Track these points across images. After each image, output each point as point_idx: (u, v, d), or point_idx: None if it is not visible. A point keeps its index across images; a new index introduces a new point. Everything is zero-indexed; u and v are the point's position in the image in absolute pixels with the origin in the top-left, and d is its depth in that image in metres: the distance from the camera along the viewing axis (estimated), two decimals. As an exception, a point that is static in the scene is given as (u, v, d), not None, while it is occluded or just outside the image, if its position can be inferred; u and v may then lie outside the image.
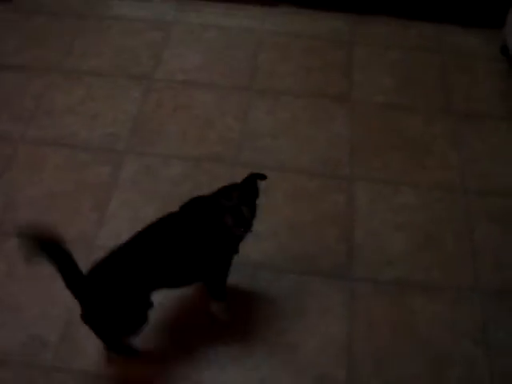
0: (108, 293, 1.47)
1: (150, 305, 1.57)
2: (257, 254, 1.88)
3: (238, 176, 1.99)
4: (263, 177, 1.59)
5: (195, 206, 1.53)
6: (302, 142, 2.23)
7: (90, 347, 1.68)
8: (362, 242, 1.94)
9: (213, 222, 1.50)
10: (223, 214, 1.48)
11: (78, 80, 2.46)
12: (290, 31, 2.70)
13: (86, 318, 1.49)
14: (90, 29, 2.69)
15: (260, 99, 2.38)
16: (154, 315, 1.61)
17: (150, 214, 1.67)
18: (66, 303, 1.74)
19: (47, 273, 1.79)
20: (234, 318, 1.75)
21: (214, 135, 2.24)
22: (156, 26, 2.69)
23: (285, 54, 2.59)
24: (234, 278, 1.78)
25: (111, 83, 2.43)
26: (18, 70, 2.49)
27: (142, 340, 1.65)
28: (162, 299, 1.70)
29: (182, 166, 2.13)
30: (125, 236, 1.55)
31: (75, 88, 2.41)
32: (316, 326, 1.75)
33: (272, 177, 2.09)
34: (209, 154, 2.17)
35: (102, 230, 1.95)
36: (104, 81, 2.44)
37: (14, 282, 1.83)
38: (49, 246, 1.40)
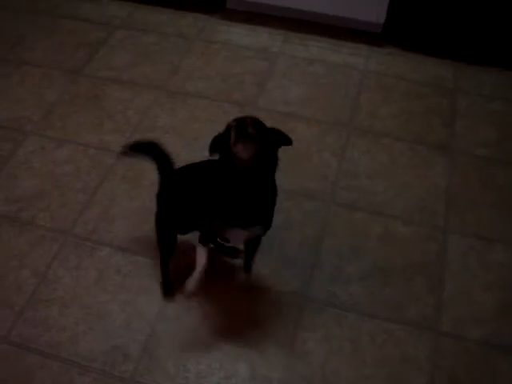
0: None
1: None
2: (344, 295, 1.87)
3: (331, 214, 1.99)
4: (289, 142, 1.54)
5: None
6: (398, 187, 2.21)
7: (168, 364, 1.70)
8: (451, 295, 1.90)
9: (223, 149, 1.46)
10: (229, 132, 1.40)
11: (181, 100, 2.53)
12: (394, 73, 2.69)
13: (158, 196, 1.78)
14: (198, 51, 2.77)
15: (359, 138, 2.38)
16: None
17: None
18: (151, 317, 1.79)
19: (136, 284, 1.87)
20: (312, 355, 1.73)
21: (310, 170, 2.25)
22: (262, 55, 2.74)
23: (387, 96, 2.57)
24: (320, 317, 1.77)
25: (215, 107, 2.48)
26: (126, 85, 2.58)
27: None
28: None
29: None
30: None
31: (178, 108, 2.48)
32: (397, 375, 1.71)
33: (365, 218, 2.10)
34: (303, 189, 2.17)
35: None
36: (207, 104, 2.50)
37: (103, 290, 1.88)
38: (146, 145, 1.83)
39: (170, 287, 1.90)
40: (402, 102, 2.54)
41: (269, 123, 2.41)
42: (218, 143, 1.49)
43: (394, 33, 2.80)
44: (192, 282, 1.75)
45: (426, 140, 2.38)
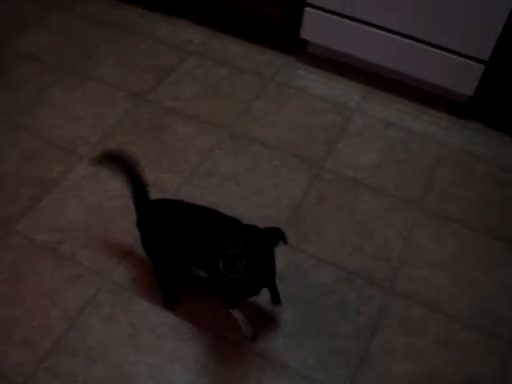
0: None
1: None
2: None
3: (389, 304, 1.81)
4: (285, 241, 1.50)
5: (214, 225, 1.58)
6: (464, 284, 2.02)
7: None
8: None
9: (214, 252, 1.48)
10: (219, 256, 1.42)
11: (245, 146, 2.39)
12: (475, 152, 2.50)
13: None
14: (270, 94, 2.63)
15: (428, 220, 2.19)
16: None
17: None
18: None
19: (170, 348, 1.72)
20: None
21: (371, 248, 2.08)
22: (338, 109, 2.59)
23: (464, 176, 2.39)
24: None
25: (279, 159, 2.34)
26: (191, 120, 2.46)
27: None
28: None
29: (333, 274, 1.98)
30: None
31: (241, 155, 2.35)
32: None
33: (423, 315, 1.91)
34: (363, 270, 2.01)
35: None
36: (272, 154, 2.35)
37: (134, 349, 1.75)
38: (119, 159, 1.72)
39: (171, 296, 1.84)
40: (479, 186, 2.35)
41: (334, 188, 2.27)
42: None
43: (481, 107, 2.61)
44: (246, 329, 1.78)
45: (502, 235, 2.18)
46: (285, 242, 1.51)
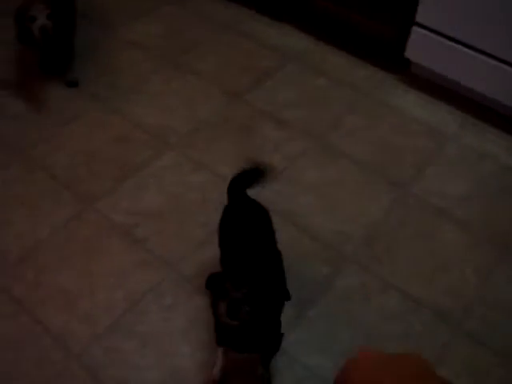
0: None
1: None
2: None
3: (453, 343, 1.72)
4: (287, 298, 1.49)
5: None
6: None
7: None
8: None
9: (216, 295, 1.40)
10: (219, 299, 1.35)
11: (333, 158, 2.35)
12: None
13: None
14: (365, 109, 2.58)
15: (509, 263, 2.06)
16: None
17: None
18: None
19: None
20: None
21: (445, 282, 1.98)
22: (431, 134, 2.49)
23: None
24: None
25: (364, 176, 2.28)
26: (282, 125, 2.45)
27: None
28: None
29: (399, 301, 1.91)
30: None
31: (327, 166, 2.31)
32: None
33: (490, 360, 1.80)
34: (432, 303, 1.92)
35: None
36: (358, 171, 2.30)
37: (187, 342, 1.76)
38: None
39: None
40: None
41: (417, 214, 2.19)
42: (214, 285, 1.43)
43: None
44: (216, 372, 1.67)
45: None
46: (287, 299, 1.48)
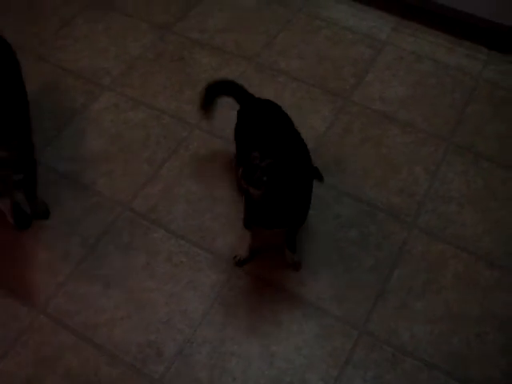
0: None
1: None
2: (406, 336, 1.66)
3: (411, 240, 1.77)
4: (321, 179, 1.51)
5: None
6: (490, 222, 1.95)
7: (202, 375, 1.57)
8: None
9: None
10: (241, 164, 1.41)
11: (270, 78, 2.33)
12: (510, 86, 2.37)
13: None
14: (298, 25, 2.55)
15: (457, 156, 2.12)
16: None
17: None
18: (195, 317, 1.66)
19: (186, 277, 1.72)
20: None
21: (396, 183, 2.02)
22: (367, 41, 2.49)
23: (498, 112, 2.28)
24: (374, 355, 1.59)
25: (304, 91, 2.27)
26: (216, 51, 2.41)
27: None
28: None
29: (353, 206, 1.94)
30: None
31: (266, 85, 2.29)
32: None
33: (446, 251, 1.87)
34: (386, 204, 1.96)
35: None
36: (297, 86, 2.29)
37: (150, 277, 1.76)
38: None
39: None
40: (512, 122, 2.24)
41: (361, 121, 2.21)
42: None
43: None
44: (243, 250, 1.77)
45: (534, 174, 2.09)
46: (320, 179, 1.48)
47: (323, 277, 1.77)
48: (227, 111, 1.92)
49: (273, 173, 1.38)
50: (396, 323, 1.70)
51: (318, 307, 1.72)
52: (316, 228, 1.88)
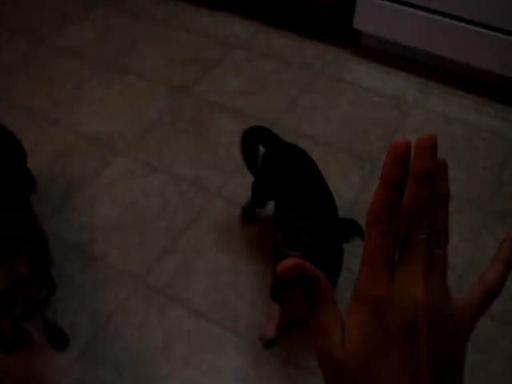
0: None
1: None
2: None
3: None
4: (361, 235, 1.27)
5: None
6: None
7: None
8: None
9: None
10: (279, 227, 1.28)
11: (295, 142, 2.19)
12: (549, 148, 2.23)
13: None
14: (320, 88, 2.44)
15: (498, 224, 1.95)
16: None
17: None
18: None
19: (207, 360, 1.53)
20: None
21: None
22: (393, 103, 2.37)
23: (538, 175, 2.13)
24: None
25: (331, 157, 2.13)
26: (236, 115, 2.30)
27: None
28: None
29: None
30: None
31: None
32: None
33: (492, 329, 1.68)
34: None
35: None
36: (324, 151, 2.15)
37: (166, 360, 1.57)
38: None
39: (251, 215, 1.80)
40: (554, 187, 2.09)
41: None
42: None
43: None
44: (269, 331, 1.57)
45: None
46: (361, 237, 1.29)
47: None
48: (248, 177, 1.78)
49: (314, 233, 1.25)
50: None
51: None
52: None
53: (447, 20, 2.25)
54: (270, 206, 1.66)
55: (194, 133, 2.20)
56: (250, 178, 1.80)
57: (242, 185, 1.97)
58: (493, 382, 1.57)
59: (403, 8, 2.31)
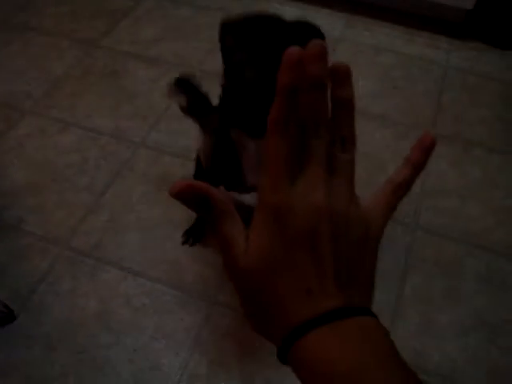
0: None
1: None
2: (437, 355, 1.33)
3: (417, 243, 1.47)
4: (321, 36, 1.01)
5: None
6: (497, 212, 1.67)
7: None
8: None
9: None
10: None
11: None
12: (481, 71, 2.16)
13: None
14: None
15: (444, 146, 1.85)
16: None
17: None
18: (171, 377, 1.26)
19: (152, 323, 1.34)
20: None
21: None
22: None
23: (474, 98, 2.04)
24: None
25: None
26: (153, 62, 2.09)
27: None
28: None
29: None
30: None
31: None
32: None
33: (459, 251, 1.57)
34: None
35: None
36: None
37: (106, 329, 1.38)
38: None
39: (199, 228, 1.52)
40: (492, 105, 2.01)
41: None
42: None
43: (481, 23, 2.27)
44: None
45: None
46: (321, 37, 1.02)
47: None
48: (174, 123, 1.59)
49: (264, 59, 0.95)
50: (423, 341, 1.37)
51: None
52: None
53: None
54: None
55: (108, 85, 1.98)
56: (175, 125, 1.61)
57: (166, 132, 1.78)
58: (465, 303, 1.45)
59: None
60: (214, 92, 1.40)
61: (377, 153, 1.79)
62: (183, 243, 1.49)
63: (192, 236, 1.50)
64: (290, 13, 2.14)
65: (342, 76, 0.41)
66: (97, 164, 1.71)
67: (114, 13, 2.29)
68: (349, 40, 2.25)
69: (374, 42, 2.25)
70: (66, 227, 1.55)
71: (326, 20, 2.33)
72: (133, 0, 2.37)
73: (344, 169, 0.41)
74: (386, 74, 2.10)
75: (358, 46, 2.22)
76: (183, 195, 0.41)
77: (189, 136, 1.71)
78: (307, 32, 1.00)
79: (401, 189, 0.44)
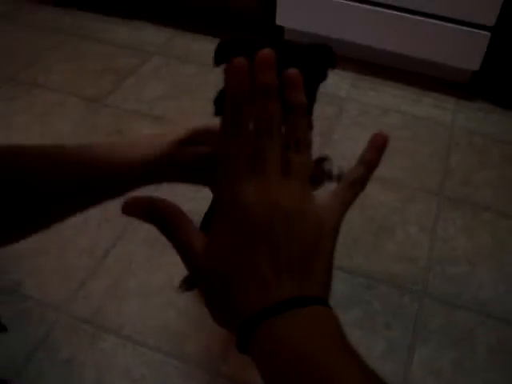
0: None
1: None
2: None
3: (425, 312, 1.42)
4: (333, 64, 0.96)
5: None
6: (508, 279, 1.63)
7: None
8: None
9: None
10: None
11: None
12: (488, 132, 2.15)
13: None
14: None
15: (453, 211, 1.81)
16: None
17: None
18: None
19: None
20: None
21: (394, 249, 1.68)
22: (327, 100, 2.21)
23: (482, 159, 2.03)
24: None
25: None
26: (156, 122, 2.09)
27: None
28: None
29: (347, 281, 1.57)
30: None
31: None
32: None
33: (470, 321, 1.52)
34: (387, 275, 1.60)
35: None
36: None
37: None
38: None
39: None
40: (500, 167, 1.99)
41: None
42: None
43: (487, 83, 2.27)
44: None
45: (541, 218, 1.80)
46: (332, 66, 0.98)
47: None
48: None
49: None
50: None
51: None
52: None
53: (375, 8, 2.14)
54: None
55: (113, 143, 1.96)
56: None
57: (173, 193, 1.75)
58: (475, 377, 1.40)
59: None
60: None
61: (384, 217, 1.76)
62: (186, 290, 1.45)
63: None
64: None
65: (292, 82, 0.43)
66: (98, 225, 1.68)
67: (121, 70, 2.29)
68: (355, 100, 2.24)
69: (381, 102, 2.24)
70: (65, 292, 1.51)
71: (332, 80, 2.31)
72: (139, 58, 2.38)
73: (298, 169, 0.43)
74: (393, 135, 2.07)
75: (365, 107, 2.22)
76: (132, 211, 0.44)
77: (190, 198, 1.68)
78: (324, 55, 0.94)
79: (355, 185, 0.47)
